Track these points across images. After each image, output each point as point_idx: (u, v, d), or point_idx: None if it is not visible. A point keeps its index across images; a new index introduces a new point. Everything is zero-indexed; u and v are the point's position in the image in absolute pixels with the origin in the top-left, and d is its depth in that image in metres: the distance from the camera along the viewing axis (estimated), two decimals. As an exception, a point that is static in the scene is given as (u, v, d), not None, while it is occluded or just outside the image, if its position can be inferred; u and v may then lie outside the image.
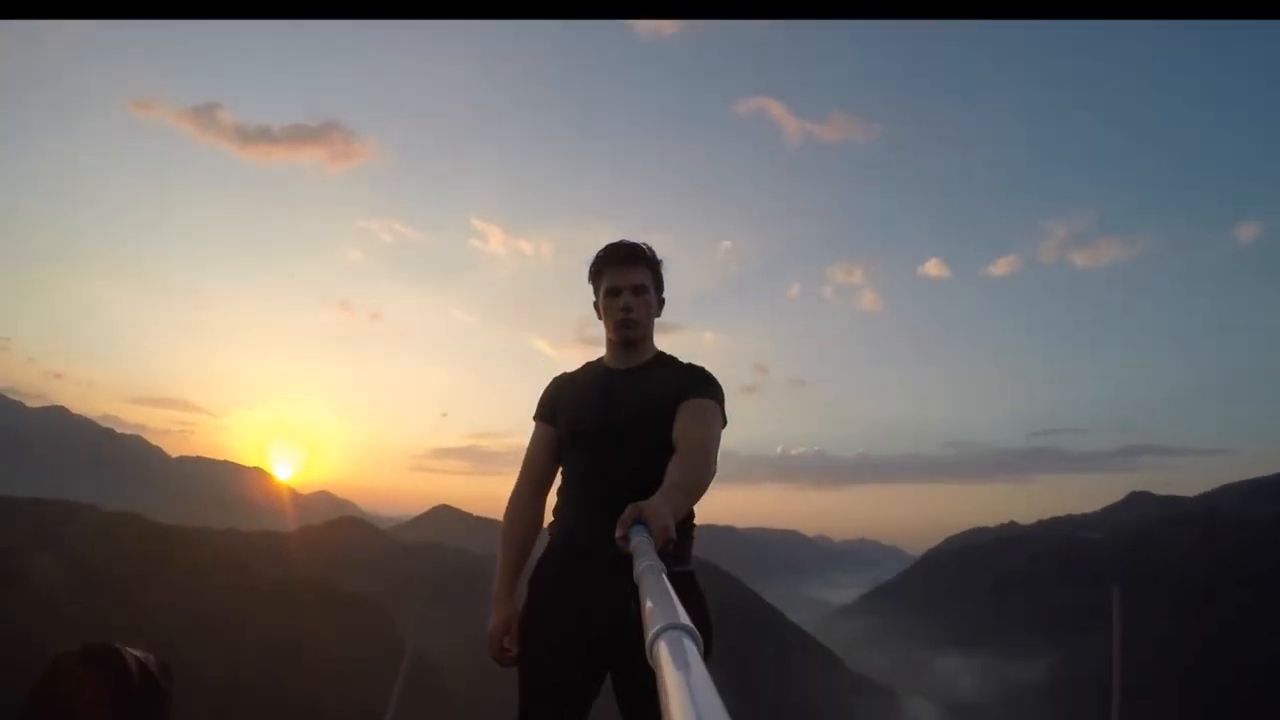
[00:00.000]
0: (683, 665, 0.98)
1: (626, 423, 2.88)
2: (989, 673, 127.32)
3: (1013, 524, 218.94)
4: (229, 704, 72.87)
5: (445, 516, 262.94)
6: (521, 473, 3.17)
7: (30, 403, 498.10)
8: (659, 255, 3.07)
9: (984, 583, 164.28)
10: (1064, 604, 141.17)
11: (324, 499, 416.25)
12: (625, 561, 2.09)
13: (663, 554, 1.65)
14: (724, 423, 2.88)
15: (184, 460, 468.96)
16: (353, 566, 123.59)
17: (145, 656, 3.17)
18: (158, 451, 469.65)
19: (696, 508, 2.68)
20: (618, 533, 1.82)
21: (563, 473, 3.08)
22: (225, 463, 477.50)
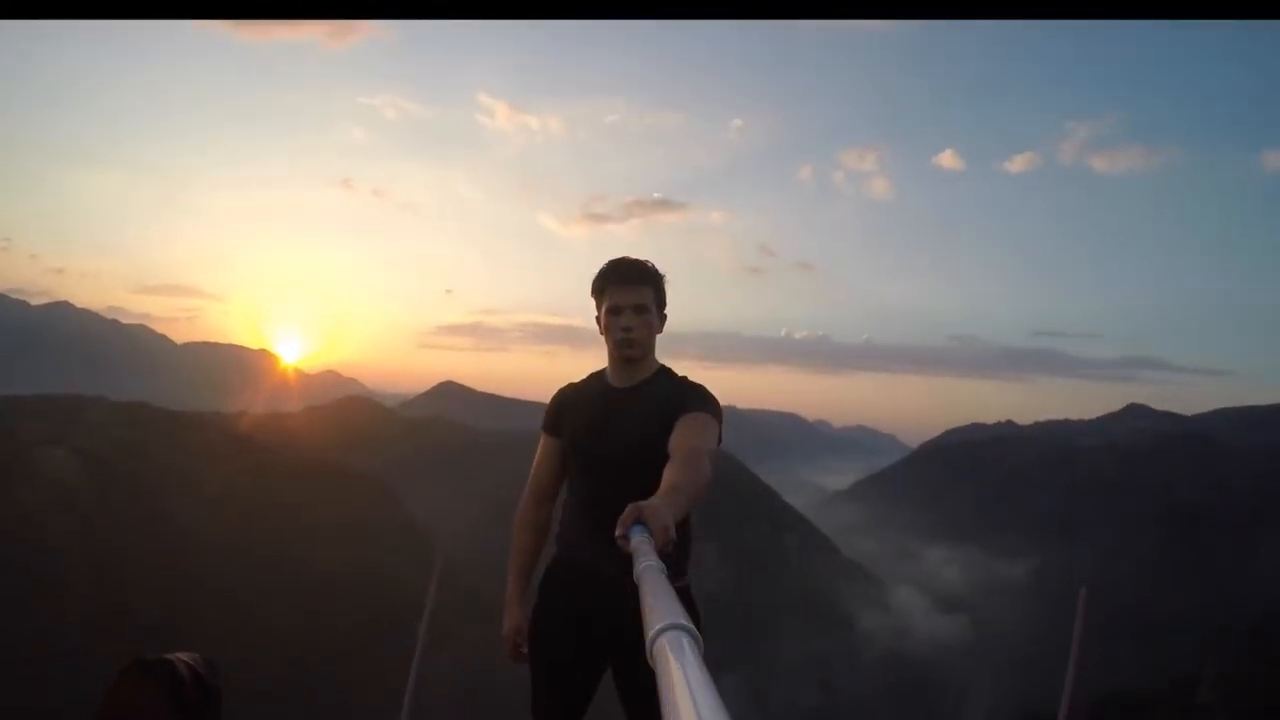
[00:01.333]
0: (683, 665, 0.98)
1: (625, 440, 3.01)
2: (975, 567, 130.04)
3: (1010, 423, 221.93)
4: (241, 573, 75.30)
5: (450, 393, 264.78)
6: (529, 482, 3.35)
7: (34, 300, 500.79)
8: (661, 270, 3.13)
9: (978, 478, 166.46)
10: (1053, 507, 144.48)
11: (330, 378, 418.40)
12: (624, 574, 2.31)
13: (661, 556, 1.69)
14: (719, 439, 2.94)
15: (190, 346, 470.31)
16: (359, 444, 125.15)
17: (194, 659, 3.33)
18: (164, 339, 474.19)
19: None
20: (617, 532, 1.87)
21: (568, 484, 3.26)
22: (231, 346, 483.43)
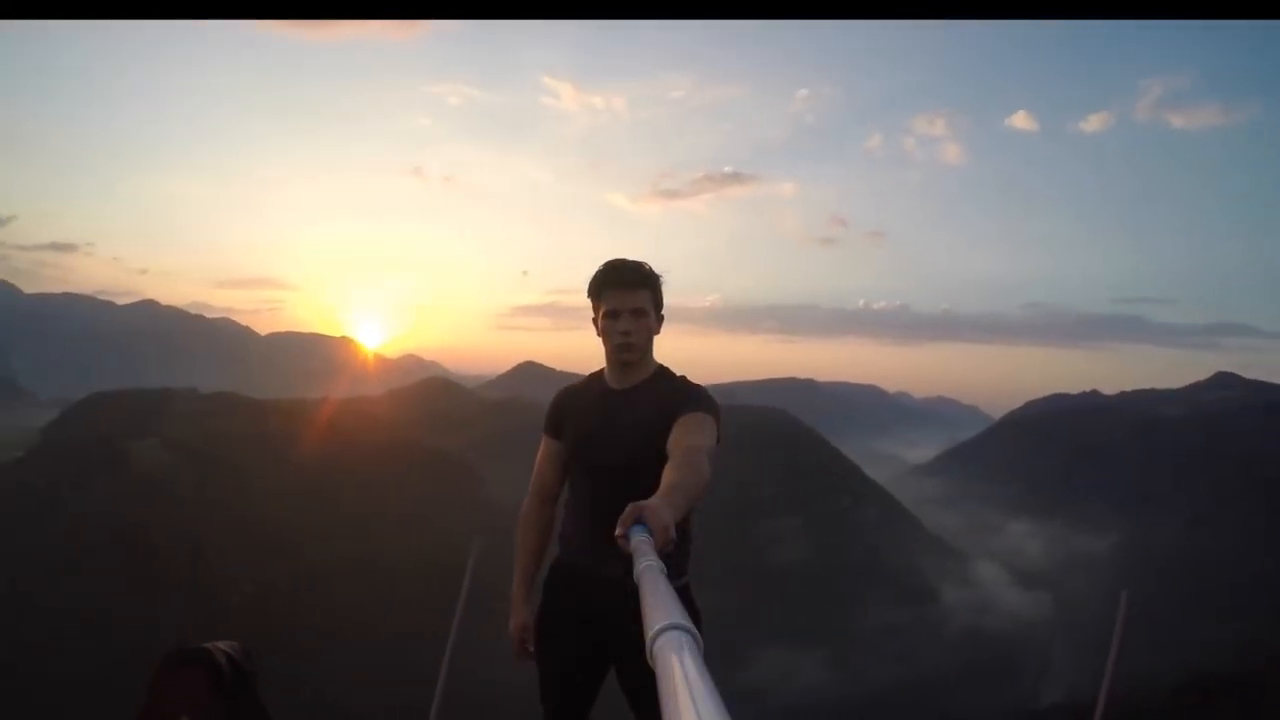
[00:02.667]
0: (683, 665, 1.01)
1: (624, 441, 3.06)
2: (1057, 541, 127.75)
3: (1095, 392, 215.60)
4: (326, 553, 77.04)
5: (530, 372, 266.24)
6: (531, 483, 3.43)
7: (120, 300, 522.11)
8: (658, 270, 3.15)
9: (1061, 450, 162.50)
10: (1139, 479, 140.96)
11: (411, 362, 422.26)
12: (625, 574, 2.46)
13: (661, 556, 1.69)
14: (718, 439, 2.96)
15: (273, 337, 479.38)
16: (441, 425, 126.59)
17: (231, 647, 3.76)
18: (247, 331, 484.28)
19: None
20: (617, 531, 1.87)
21: (569, 485, 3.34)
22: (313, 335, 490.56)
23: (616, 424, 3.10)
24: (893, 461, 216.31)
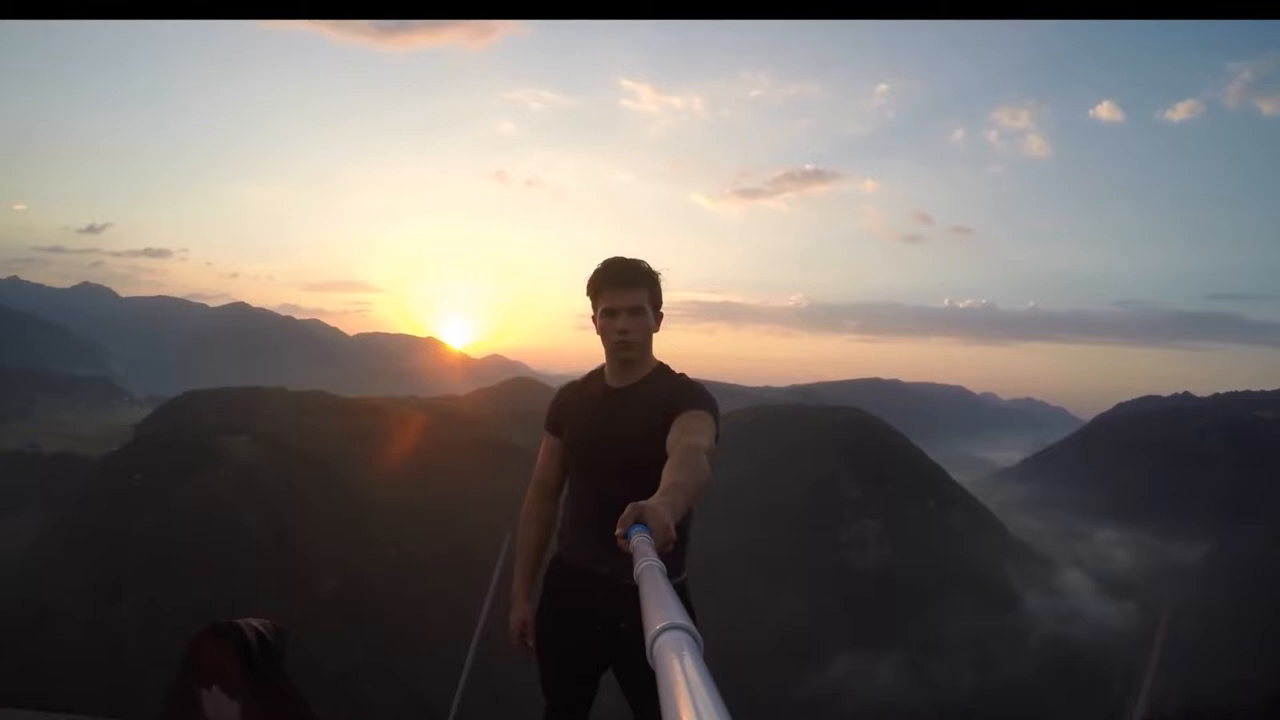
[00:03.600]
0: (683, 665, 0.99)
1: (623, 439, 3.06)
2: (1147, 549, 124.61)
3: (1187, 394, 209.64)
4: (411, 545, 78.43)
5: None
6: (534, 479, 3.46)
7: (212, 303, 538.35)
8: (656, 269, 3.17)
9: (1152, 454, 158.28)
10: (1233, 485, 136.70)
11: (496, 362, 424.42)
12: (619, 574, 2.79)
13: (661, 556, 1.70)
14: (716, 436, 2.95)
15: (361, 337, 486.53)
16: (526, 424, 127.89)
17: (263, 624, 3.90)
18: (335, 332, 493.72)
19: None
20: (617, 531, 1.87)
21: (568, 482, 3.35)
22: (400, 336, 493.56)
23: (615, 422, 3.12)
24: (978, 464, 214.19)
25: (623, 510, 1.98)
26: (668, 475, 2.44)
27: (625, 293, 3.07)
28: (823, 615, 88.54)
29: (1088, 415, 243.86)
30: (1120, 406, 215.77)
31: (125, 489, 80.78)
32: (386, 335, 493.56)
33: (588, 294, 3.16)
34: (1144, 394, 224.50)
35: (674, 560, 2.92)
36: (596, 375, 3.30)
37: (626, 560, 1.74)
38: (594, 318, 3.17)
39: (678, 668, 0.99)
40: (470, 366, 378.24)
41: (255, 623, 3.85)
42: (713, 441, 2.86)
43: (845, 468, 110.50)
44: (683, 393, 3.05)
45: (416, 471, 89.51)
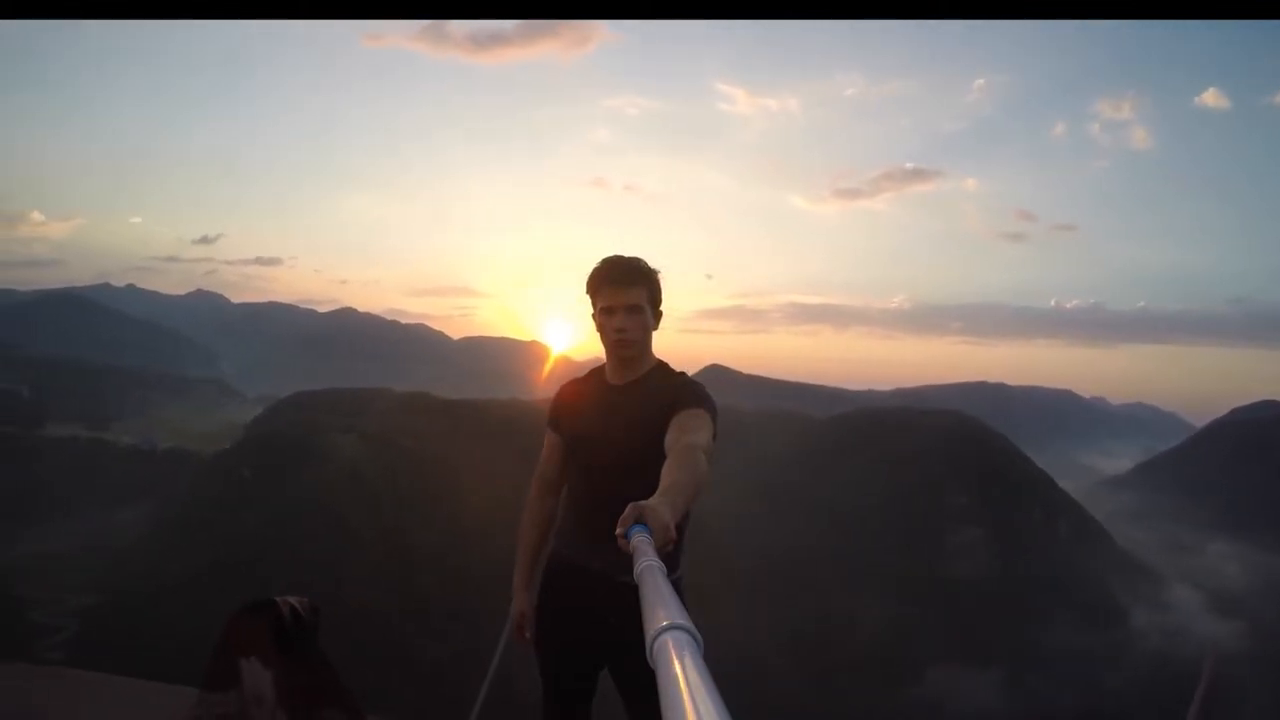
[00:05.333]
0: (683, 665, 0.99)
1: (620, 437, 3.08)
2: (1261, 566, 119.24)
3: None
4: (511, 542, 79.47)
5: (716, 376, 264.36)
6: (536, 474, 3.50)
7: (321, 308, 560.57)
8: (654, 267, 3.18)
9: (1269, 463, 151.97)
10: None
11: (597, 365, 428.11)
12: (616, 571, 2.90)
13: (661, 555, 1.69)
14: (714, 435, 2.96)
15: (465, 341, 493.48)
16: None
17: (299, 602, 4.11)
18: (440, 335, 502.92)
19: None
20: (617, 530, 1.87)
21: (568, 480, 3.37)
22: (503, 339, 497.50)
23: (613, 419, 3.13)
24: (1086, 472, 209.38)
25: (618, 506, 1.98)
26: (667, 475, 2.45)
27: (623, 291, 3.08)
28: (919, 624, 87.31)
29: (1202, 421, 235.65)
30: (1235, 412, 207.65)
31: (236, 484, 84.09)
32: (490, 339, 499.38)
33: (587, 292, 3.19)
34: (1261, 398, 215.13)
35: (671, 558, 2.68)
36: (597, 373, 3.35)
37: (619, 556, 1.77)
38: (593, 316, 3.19)
39: (678, 668, 0.99)
40: (572, 369, 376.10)
41: (292, 600, 4.12)
42: (711, 440, 2.88)
43: (949, 474, 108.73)
44: (681, 391, 3.07)
45: (517, 471, 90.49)
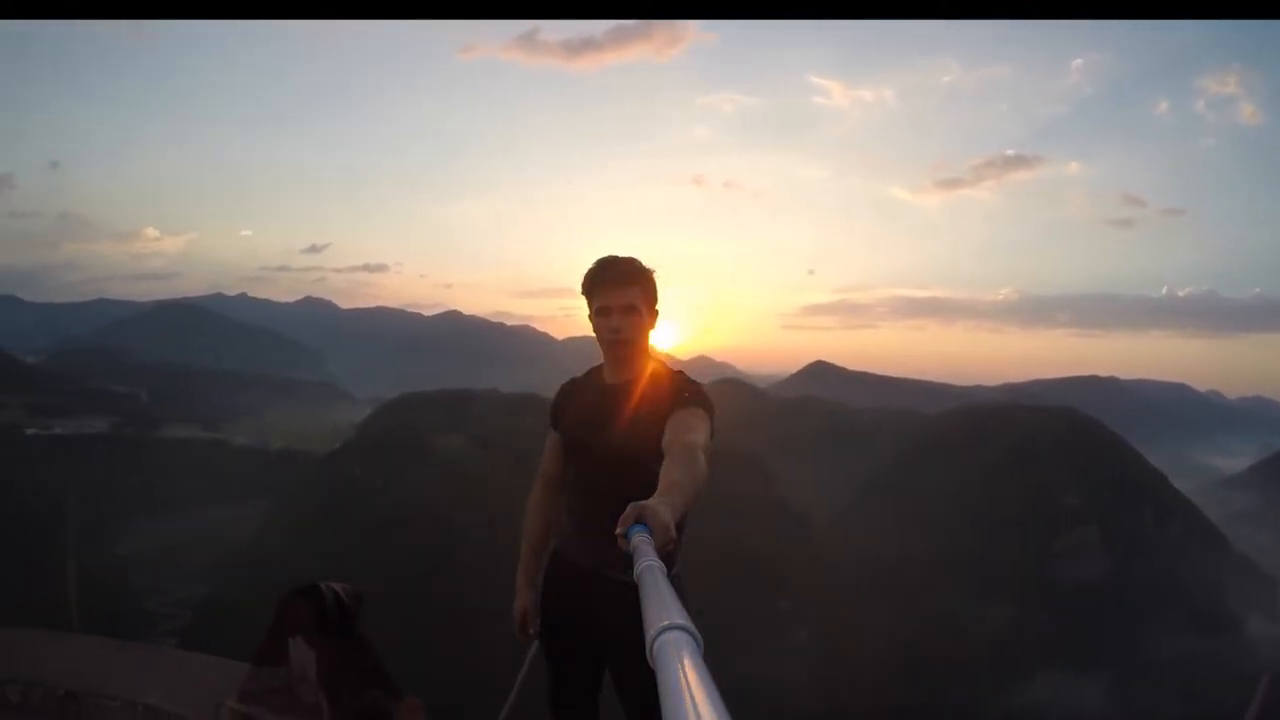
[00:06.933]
0: (683, 665, 1.00)
1: (617, 435, 3.11)
2: None
3: None
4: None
5: (822, 373, 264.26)
6: (539, 471, 3.56)
7: (427, 312, 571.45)
8: (649, 266, 3.21)
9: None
10: None
11: (703, 363, 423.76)
12: (608, 568, 3.03)
13: (661, 555, 1.73)
14: (712, 434, 2.97)
15: (571, 341, 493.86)
16: (733, 424, 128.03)
17: (343, 588, 4.37)
18: (545, 336, 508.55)
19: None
20: (617, 530, 1.89)
21: (567, 477, 3.41)
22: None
23: (607, 417, 3.18)
24: (1202, 470, 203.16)
25: (615, 504, 2.06)
26: (666, 475, 2.51)
27: (618, 291, 3.14)
28: (1025, 627, 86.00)
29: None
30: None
31: (346, 482, 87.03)
32: (594, 339, 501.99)
33: (582, 292, 3.24)
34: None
35: (667, 557, 2.60)
36: (596, 371, 3.41)
37: (613, 553, 1.87)
38: (590, 316, 3.25)
39: (678, 668, 0.99)
40: (678, 367, 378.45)
41: (336, 585, 4.54)
42: (709, 439, 2.92)
43: (1059, 473, 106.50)
44: (679, 390, 3.12)
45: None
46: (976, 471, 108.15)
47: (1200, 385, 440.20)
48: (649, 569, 1.53)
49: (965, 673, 77.95)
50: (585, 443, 3.25)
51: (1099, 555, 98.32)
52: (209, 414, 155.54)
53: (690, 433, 2.81)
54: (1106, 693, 78.82)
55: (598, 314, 3.18)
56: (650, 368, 3.27)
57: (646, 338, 3.25)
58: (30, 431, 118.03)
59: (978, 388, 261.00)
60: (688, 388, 3.13)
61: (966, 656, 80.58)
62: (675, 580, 2.66)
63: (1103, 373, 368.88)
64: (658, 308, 3.25)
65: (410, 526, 76.37)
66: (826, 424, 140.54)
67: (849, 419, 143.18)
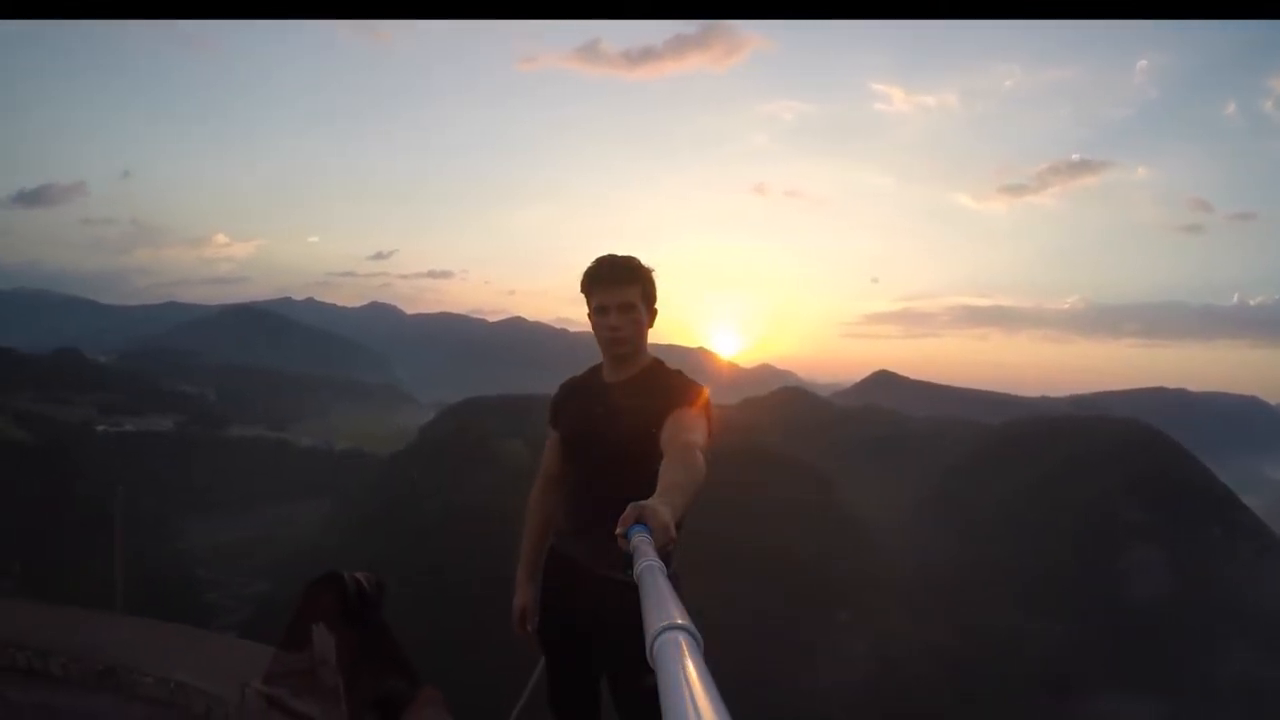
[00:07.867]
0: (683, 665, 1.00)
1: (614, 434, 3.11)
2: None
3: None
4: (688, 552, 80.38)
5: (884, 381, 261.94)
6: (540, 470, 3.60)
7: (491, 318, 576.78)
8: (648, 265, 3.24)
9: None
10: None
11: (766, 371, 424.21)
12: (601, 565, 3.05)
13: (661, 555, 1.71)
14: (710, 433, 3.00)
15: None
16: (796, 433, 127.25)
17: (365, 577, 4.46)
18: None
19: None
20: (617, 530, 1.87)
21: (566, 475, 3.42)
22: (671, 346, 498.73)
23: (608, 417, 3.18)
24: (1274, 487, 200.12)
25: (612, 503, 2.07)
26: (665, 474, 2.50)
27: (616, 290, 3.16)
28: (1083, 648, 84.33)
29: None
30: None
31: (408, 484, 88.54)
32: (657, 346, 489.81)
33: (581, 291, 3.26)
34: None
35: (665, 556, 2.71)
36: (595, 370, 3.45)
37: (608, 550, 1.88)
38: (589, 315, 3.27)
39: (678, 668, 0.99)
40: (740, 376, 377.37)
41: (359, 575, 4.63)
42: (707, 438, 2.94)
43: (1124, 487, 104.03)
44: (677, 389, 3.14)
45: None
46: (1040, 484, 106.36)
47: (1273, 398, 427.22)
48: (649, 569, 1.53)
49: (1017, 692, 76.85)
50: (584, 441, 3.28)
51: (1164, 573, 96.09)
52: (275, 415, 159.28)
53: (689, 432, 2.83)
54: (1168, 717, 77.00)
55: (596, 312, 3.21)
56: (649, 366, 3.31)
57: (645, 336, 3.29)
58: (101, 428, 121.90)
59: (1043, 399, 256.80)
60: (686, 386, 3.17)
61: (1022, 674, 79.41)
62: (673, 580, 2.69)
63: (1171, 384, 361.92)
64: (656, 307, 3.30)
65: (467, 528, 77.06)
66: (888, 433, 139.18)
67: (911, 428, 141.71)
